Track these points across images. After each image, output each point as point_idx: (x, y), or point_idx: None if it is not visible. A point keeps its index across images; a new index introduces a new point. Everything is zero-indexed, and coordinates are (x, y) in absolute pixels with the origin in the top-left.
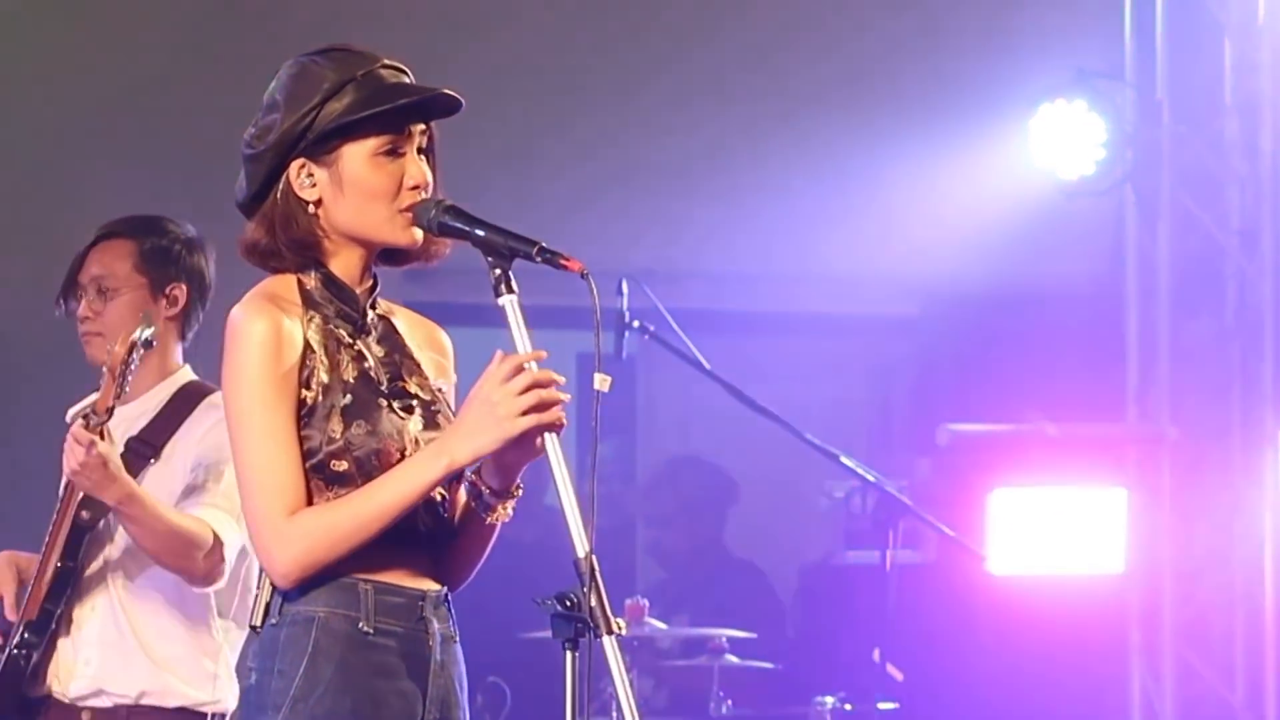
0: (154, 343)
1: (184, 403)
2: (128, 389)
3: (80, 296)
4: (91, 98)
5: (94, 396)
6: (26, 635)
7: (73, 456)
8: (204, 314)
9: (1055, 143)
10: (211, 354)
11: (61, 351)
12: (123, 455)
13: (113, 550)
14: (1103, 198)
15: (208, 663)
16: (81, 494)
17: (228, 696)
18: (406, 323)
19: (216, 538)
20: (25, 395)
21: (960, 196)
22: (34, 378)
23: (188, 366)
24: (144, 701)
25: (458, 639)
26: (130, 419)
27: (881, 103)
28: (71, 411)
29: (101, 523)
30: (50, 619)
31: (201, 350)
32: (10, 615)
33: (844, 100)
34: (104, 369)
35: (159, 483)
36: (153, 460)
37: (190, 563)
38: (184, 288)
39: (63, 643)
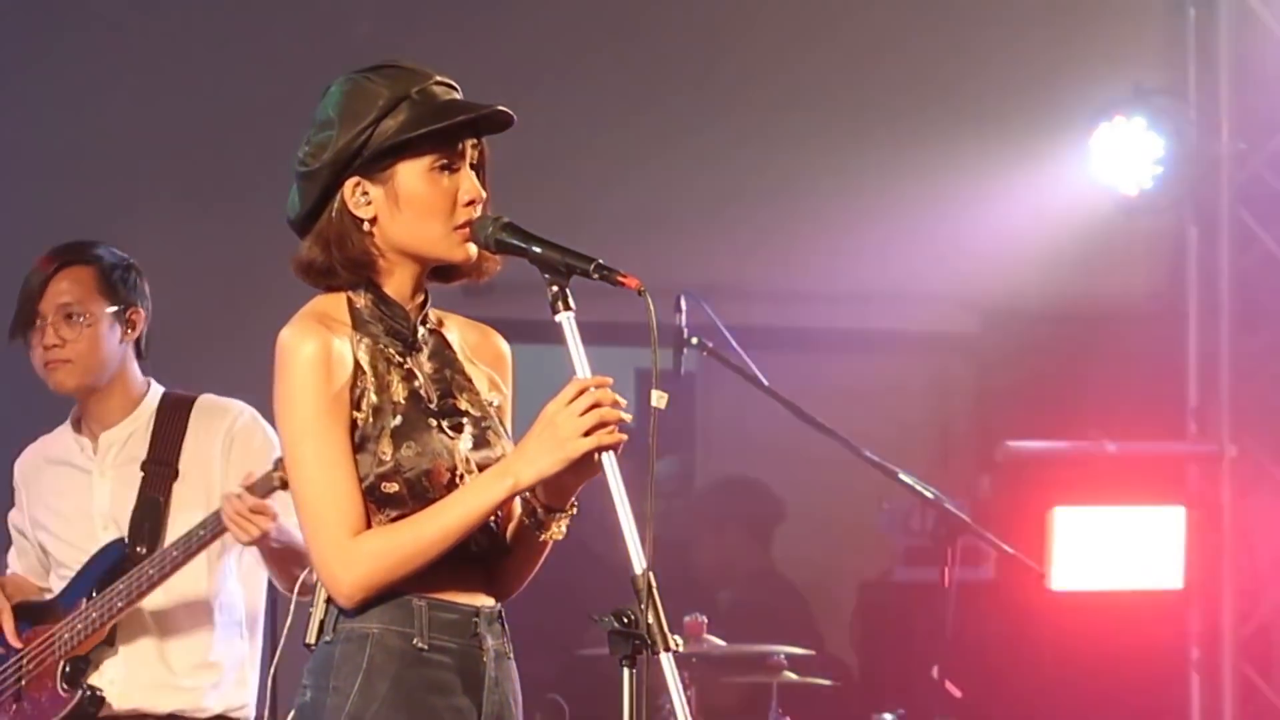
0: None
1: (173, 414)
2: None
3: (41, 325)
4: (130, 117)
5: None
6: (70, 671)
7: (256, 528)
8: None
9: (1115, 160)
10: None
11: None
12: (145, 477)
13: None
14: (1163, 215)
15: (236, 671)
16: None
17: (251, 701)
18: (460, 332)
19: None
20: None
21: (1020, 214)
22: None
23: (153, 381)
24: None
25: (511, 655)
26: (120, 441)
27: (942, 120)
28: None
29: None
30: (100, 652)
31: (229, 367)
32: (14, 643)
33: (905, 117)
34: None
35: (186, 498)
36: (174, 479)
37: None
38: (140, 311)
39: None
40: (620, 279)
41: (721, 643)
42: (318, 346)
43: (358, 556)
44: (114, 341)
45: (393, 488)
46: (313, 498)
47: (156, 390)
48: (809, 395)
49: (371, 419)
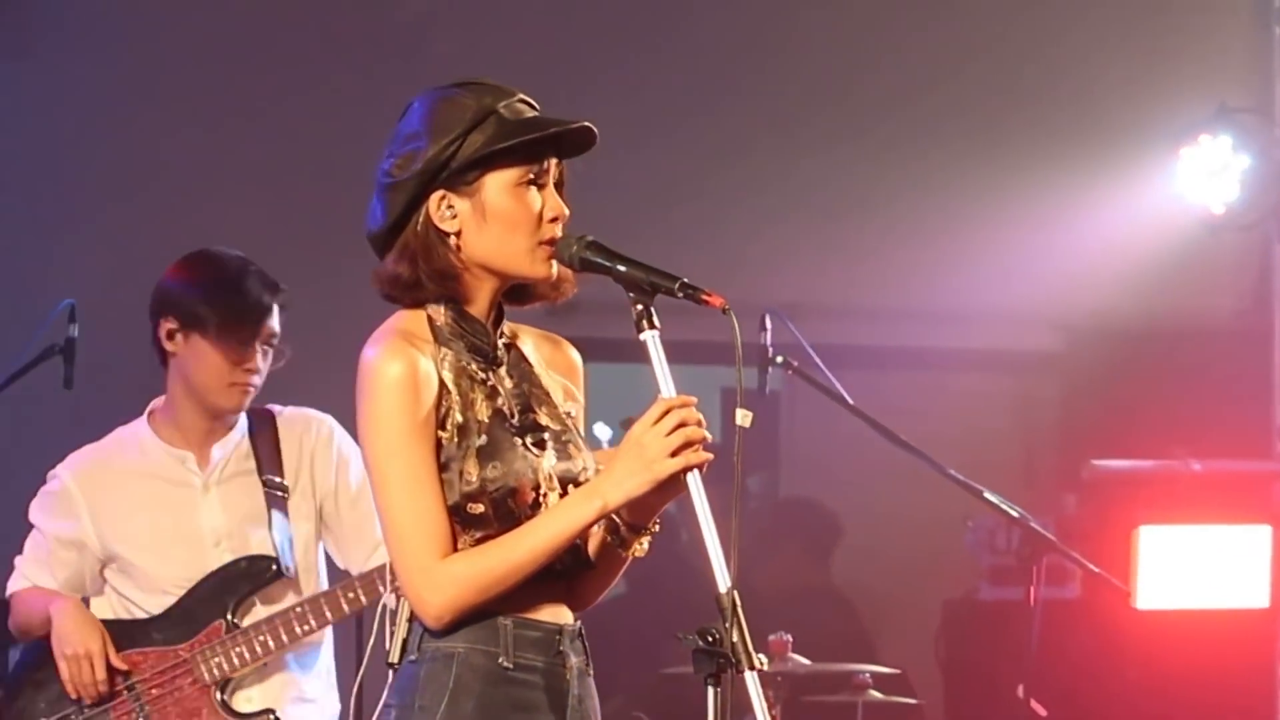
0: None
1: (263, 428)
2: None
3: (255, 347)
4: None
5: None
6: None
7: None
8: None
9: (1201, 178)
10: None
11: None
12: (267, 493)
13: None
14: (1248, 232)
15: (326, 681)
16: None
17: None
18: (533, 343)
19: None
20: None
21: (1106, 232)
22: None
23: None
24: None
25: (591, 672)
26: (227, 455)
27: (1028, 137)
28: None
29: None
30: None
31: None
32: (119, 664)
33: (991, 135)
34: None
35: (299, 513)
36: (286, 495)
37: None
38: None
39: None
40: (705, 297)
41: (806, 661)
42: (405, 366)
43: (445, 580)
44: None
45: (478, 508)
46: (399, 520)
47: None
48: (894, 413)
49: (456, 439)
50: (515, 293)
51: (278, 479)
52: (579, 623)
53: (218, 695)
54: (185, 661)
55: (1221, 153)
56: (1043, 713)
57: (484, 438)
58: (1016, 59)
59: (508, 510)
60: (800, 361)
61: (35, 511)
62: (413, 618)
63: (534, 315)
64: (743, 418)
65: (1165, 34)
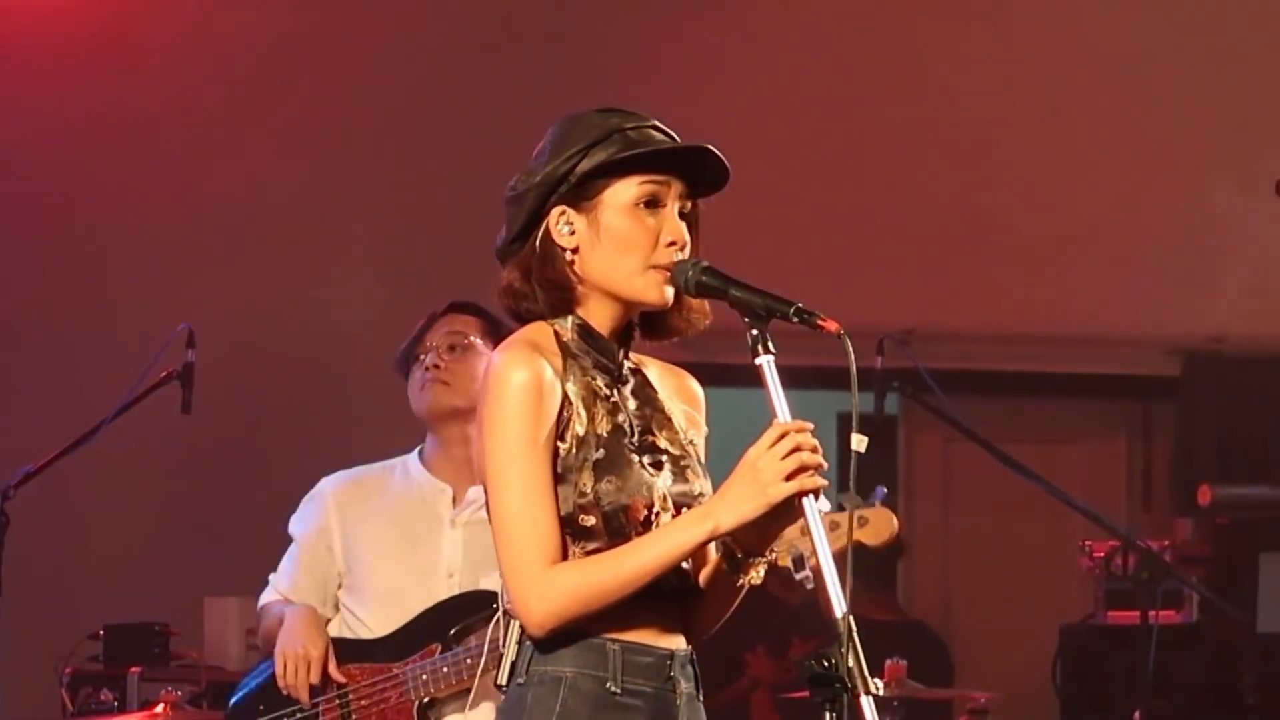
0: None
1: None
2: None
3: (427, 352)
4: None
5: None
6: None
7: None
8: None
9: None
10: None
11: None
12: None
13: None
14: None
15: None
16: None
17: None
18: (658, 373)
19: None
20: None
21: (1224, 255)
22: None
23: None
24: None
25: (700, 697)
26: (482, 498)
27: (1145, 160)
28: None
29: None
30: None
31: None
32: (336, 677)
33: (1106, 159)
34: None
35: None
36: None
37: None
38: None
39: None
40: (820, 322)
41: (921, 687)
42: (531, 373)
43: (553, 588)
44: None
45: (590, 521)
46: (513, 525)
47: None
48: (1010, 438)
49: (575, 450)
50: (650, 328)
51: None
52: (690, 649)
53: (420, 712)
54: (396, 677)
55: None
56: None
57: (602, 451)
58: (1131, 81)
59: (619, 525)
60: (916, 386)
61: (292, 522)
62: (521, 639)
63: (651, 346)
64: (858, 442)
65: (1265, 65)
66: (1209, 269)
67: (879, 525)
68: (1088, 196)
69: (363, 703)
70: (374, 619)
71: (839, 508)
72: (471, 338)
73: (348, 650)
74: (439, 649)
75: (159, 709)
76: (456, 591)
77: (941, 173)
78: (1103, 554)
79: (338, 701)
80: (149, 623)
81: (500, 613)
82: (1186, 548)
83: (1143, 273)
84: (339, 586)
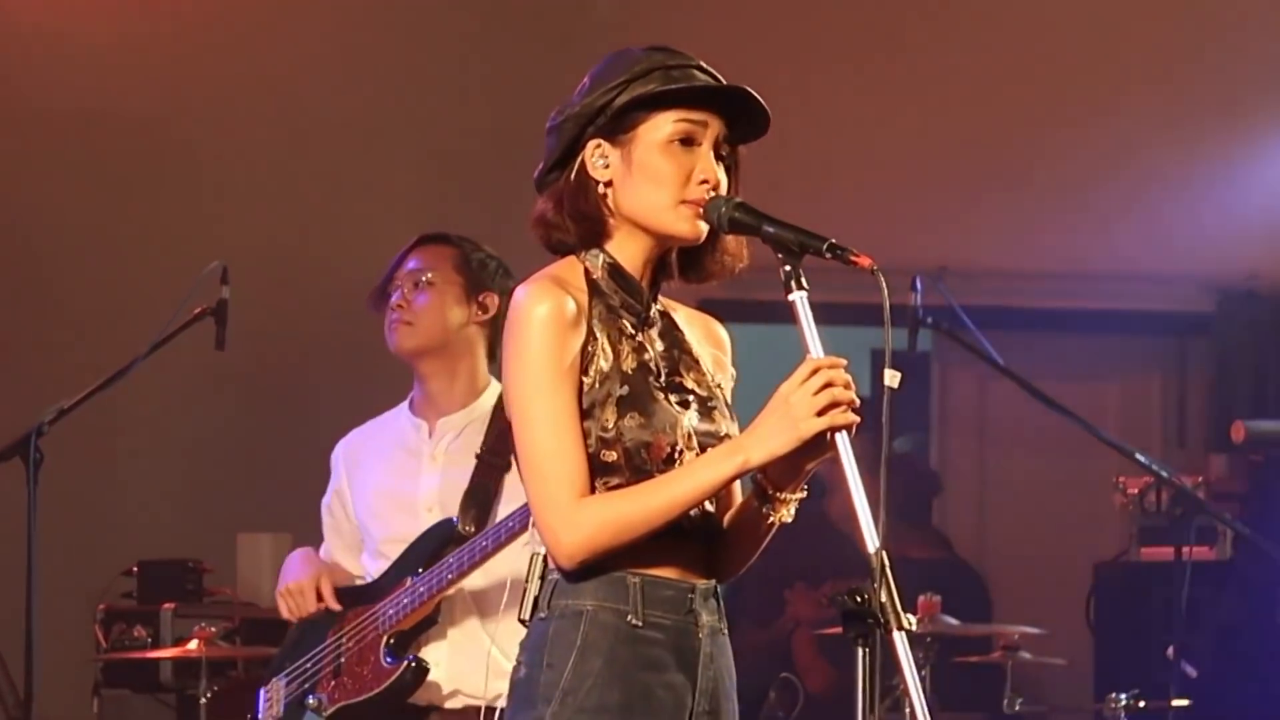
0: None
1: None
2: None
3: (395, 290)
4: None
5: None
6: (395, 643)
7: None
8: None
9: None
10: None
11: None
12: (479, 465)
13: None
14: None
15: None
16: None
17: None
18: (685, 318)
19: None
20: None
21: (1258, 192)
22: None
23: (495, 379)
24: (498, 703)
25: (726, 631)
26: (455, 429)
27: (1180, 99)
28: None
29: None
30: (422, 630)
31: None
32: (333, 605)
33: (1140, 96)
34: None
35: (517, 488)
36: (507, 470)
37: None
38: (496, 298)
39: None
40: (853, 258)
41: (955, 622)
42: (554, 306)
43: (582, 519)
44: (459, 315)
45: (611, 456)
46: (541, 458)
47: (496, 388)
48: (1045, 375)
49: (599, 385)
50: (688, 269)
51: (502, 457)
52: (713, 582)
53: (389, 641)
54: (375, 614)
55: None
56: (1193, 674)
57: (626, 388)
58: (1171, 20)
59: (640, 462)
60: (950, 323)
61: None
62: (544, 574)
63: (683, 285)
64: (891, 378)
65: None
66: (1243, 206)
67: None
68: (1122, 134)
69: (349, 644)
70: (371, 563)
71: None
72: (431, 275)
73: (349, 597)
74: (408, 582)
75: (192, 645)
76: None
77: (976, 111)
78: (1137, 490)
79: (332, 649)
80: (182, 559)
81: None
82: (1220, 484)
83: (1177, 209)
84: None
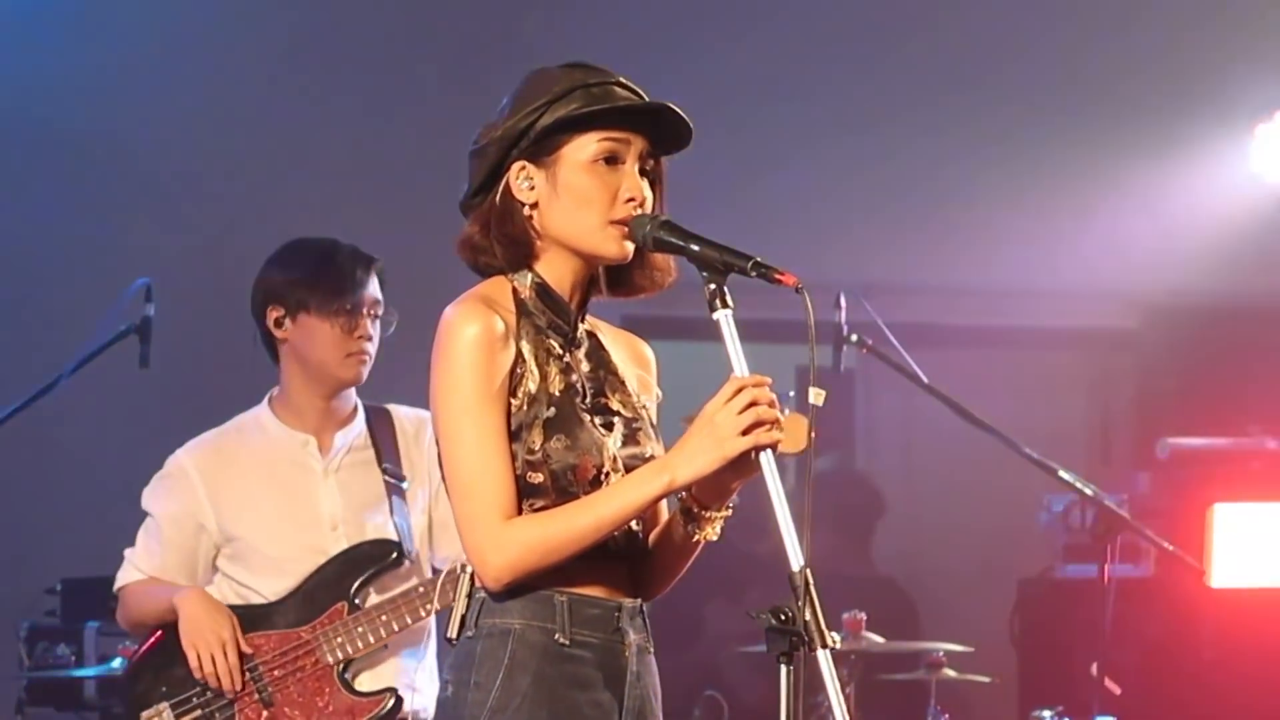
0: None
1: (380, 421)
2: None
3: (356, 315)
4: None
5: None
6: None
7: None
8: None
9: (1276, 154)
10: None
11: None
12: (388, 482)
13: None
14: None
15: (430, 674)
16: None
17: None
18: (611, 338)
19: None
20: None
21: (1182, 210)
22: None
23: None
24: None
25: (652, 649)
26: (349, 443)
27: (1101, 115)
28: None
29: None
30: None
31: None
32: (245, 648)
33: (1063, 114)
34: None
35: (416, 504)
36: (404, 485)
37: None
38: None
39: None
40: (778, 276)
41: (879, 639)
42: (483, 327)
43: (509, 540)
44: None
45: (538, 478)
46: (469, 479)
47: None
48: (969, 392)
49: (526, 407)
50: (615, 284)
51: (396, 469)
52: (639, 601)
53: (340, 675)
54: (308, 643)
55: None
56: (1116, 691)
57: (553, 410)
58: (1094, 35)
59: (566, 484)
60: (875, 340)
61: (148, 498)
62: (471, 593)
63: (610, 301)
64: (816, 396)
65: (1242, 10)
66: (1167, 223)
67: (794, 432)
68: (1046, 152)
69: (276, 673)
70: (265, 584)
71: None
72: (384, 312)
73: (247, 618)
74: (345, 608)
75: (116, 663)
76: (344, 543)
77: (901, 128)
78: (1061, 508)
79: (249, 676)
80: (107, 577)
81: (459, 567)
82: (1144, 501)
83: (1101, 226)
84: (216, 556)
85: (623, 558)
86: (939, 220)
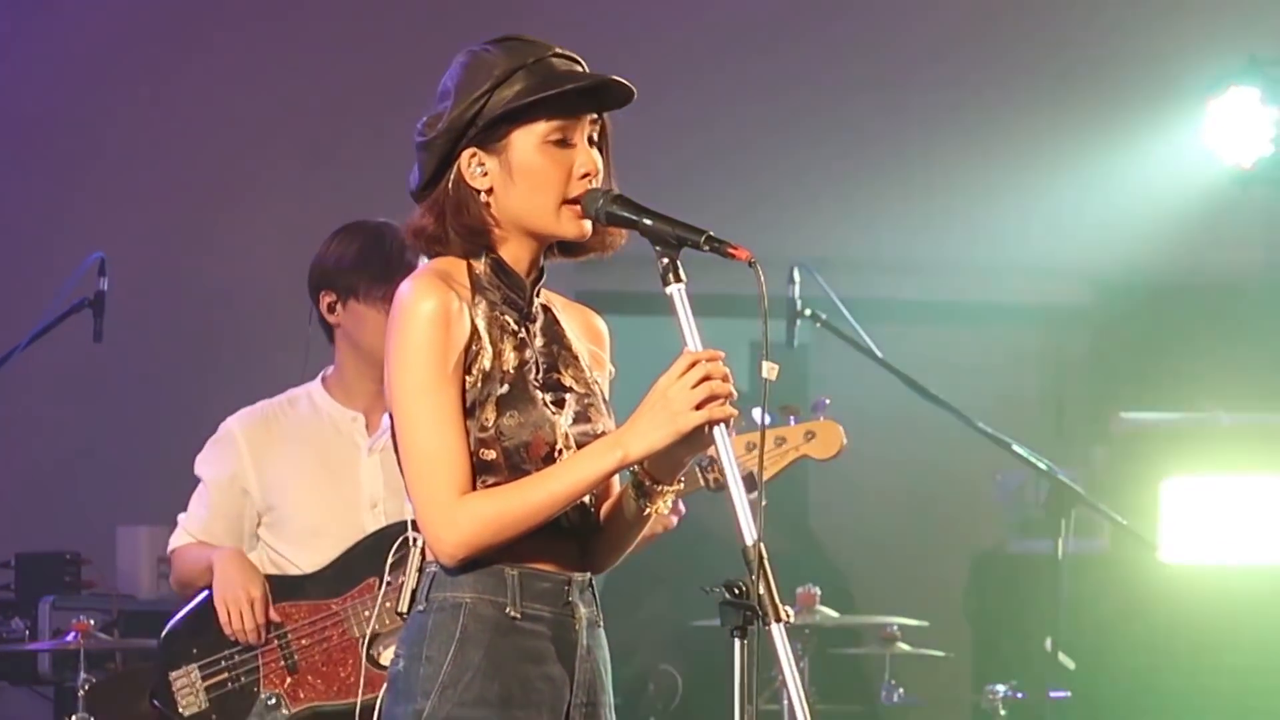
0: None
1: None
2: None
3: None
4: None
5: None
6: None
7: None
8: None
9: (1229, 131)
10: None
11: None
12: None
13: None
14: (1277, 186)
15: None
16: None
17: None
18: (565, 312)
19: None
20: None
21: (1135, 186)
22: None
23: None
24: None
25: (602, 623)
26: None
27: (1054, 91)
28: None
29: None
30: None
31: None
32: (274, 616)
33: (1016, 89)
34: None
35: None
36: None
37: None
38: (329, 293)
39: None
40: (731, 250)
41: (834, 614)
42: (439, 303)
43: (464, 517)
44: (351, 342)
45: (490, 455)
46: (423, 455)
47: None
48: (923, 367)
49: (480, 384)
50: (565, 247)
51: None
52: (589, 574)
53: (365, 649)
54: (336, 614)
55: (1251, 105)
56: (1070, 665)
57: (506, 387)
58: (1046, 11)
59: (519, 461)
60: (829, 315)
61: (200, 464)
62: (422, 567)
63: (561, 267)
64: (768, 370)
65: None
66: (1121, 198)
67: (827, 438)
68: (1000, 126)
69: (303, 642)
70: (301, 555)
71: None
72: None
73: (280, 588)
74: (376, 583)
75: (71, 637)
76: (383, 521)
77: (855, 101)
78: (1015, 483)
79: (277, 643)
80: (61, 551)
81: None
82: (1098, 476)
83: (1055, 202)
84: (258, 525)
85: (574, 531)
86: (893, 196)
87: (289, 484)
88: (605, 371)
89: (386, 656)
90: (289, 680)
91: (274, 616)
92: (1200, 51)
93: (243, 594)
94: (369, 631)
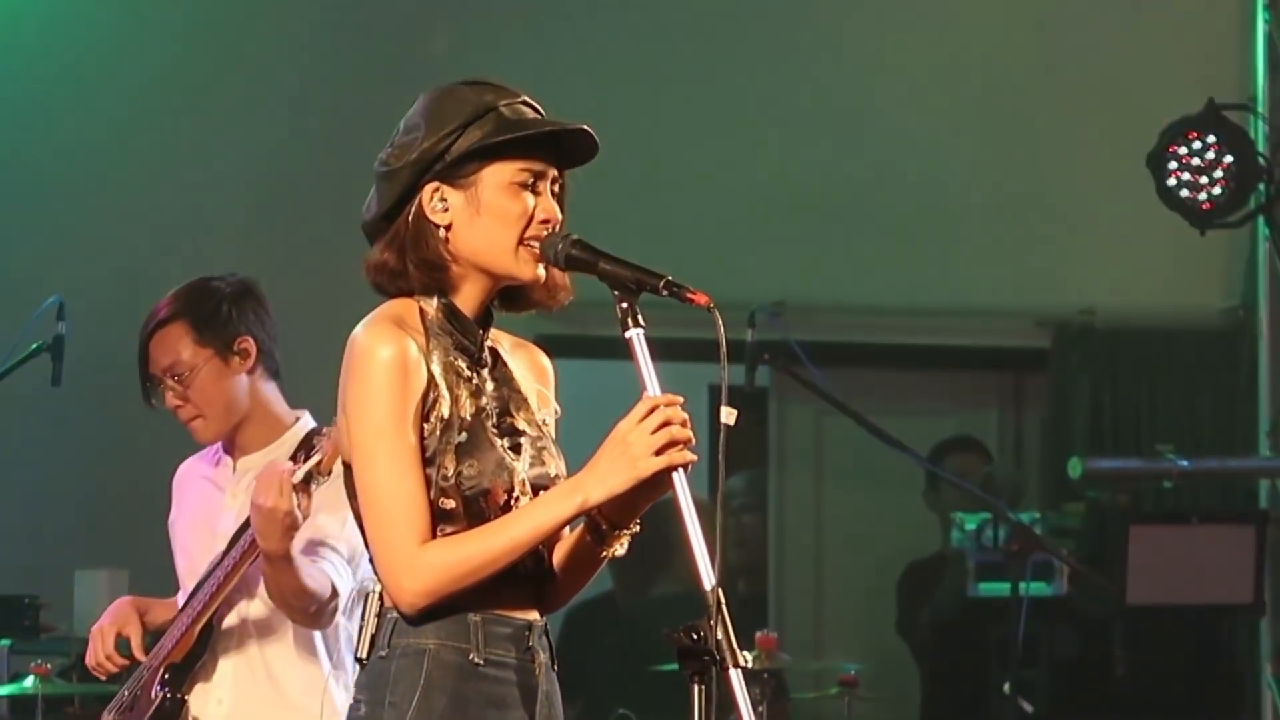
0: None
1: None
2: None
3: (161, 388)
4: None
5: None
6: (169, 677)
7: (274, 494)
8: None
9: (1186, 174)
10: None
11: None
12: None
13: (252, 592)
14: (1235, 230)
15: (317, 698)
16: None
17: None
18: (510, 350)
19: (334, 590)
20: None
21: (1093, 227)
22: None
23: (308, 414)
24: None
25: (556, 669)
26: (255, 468)
27: (1009, 134)
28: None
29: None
30: (195, 661)
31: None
32: (139, 656)
33: (972, 132)
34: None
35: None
36: None
37: (304, 615)
38: (247, 338)
39: (200, 685)
40: (689, 295)
41: (791, 659)
42: (396, 350)
43: (425, 565)
44: (231, 379)
45: (450, 504)
46: (384, 504)
47: (307, 423)
48: (882, 410)
49: (440, 433)
50: (510, 299)
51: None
52: (545, 620)
53: (164, 673)
54: (160, 646)
55: (1208, 148)
56: (1029, 709)
57: (464, 435)
58: (1004, 54)
59: (479, 510)
60: (788, 359)
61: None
62: (382, 613)
63: (523, 318)
64: (727, 415)
65: (1153, 28)
66: (1079, 241)
67: None
68: (956, 169)
69: (144, 675)
70: (180, 596)
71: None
72: (178, 367)
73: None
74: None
75: (29, 681)
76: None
77: (813, 145)
78: (974, 526)
79: (133, 680)
80: (19, 595)
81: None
82: (1056, 519)
83: (1013, 245)
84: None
85: (529, 577)
86: (851, 239)
87: (180, 530)
88: (551, 410)
89: (196, 691)
90: (128, 715)
91: (139, 657)
92: (1157, 94)
93: (94, 629)
94: (164, 662)
